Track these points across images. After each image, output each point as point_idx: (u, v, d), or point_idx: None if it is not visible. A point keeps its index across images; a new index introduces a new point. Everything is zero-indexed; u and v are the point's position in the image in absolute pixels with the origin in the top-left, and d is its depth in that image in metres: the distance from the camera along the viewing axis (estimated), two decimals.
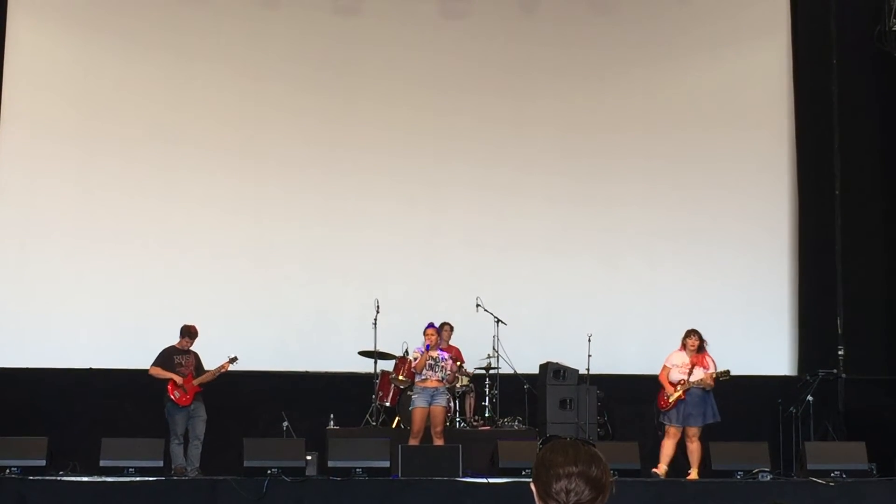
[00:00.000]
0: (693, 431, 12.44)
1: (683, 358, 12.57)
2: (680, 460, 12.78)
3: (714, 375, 12.47)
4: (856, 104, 15.52)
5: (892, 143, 15.43)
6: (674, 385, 12.50)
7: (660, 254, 15.28)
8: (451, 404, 13.06)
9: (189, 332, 12.95)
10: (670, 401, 12.48)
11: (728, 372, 12.56)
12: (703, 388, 12.44)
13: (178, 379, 12.70)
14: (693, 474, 12.29)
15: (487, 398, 13.75)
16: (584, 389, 13.64)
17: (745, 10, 15.79)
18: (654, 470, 12.27)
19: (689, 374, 12.46)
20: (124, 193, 14.68)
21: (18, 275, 14.47)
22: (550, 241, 15.18)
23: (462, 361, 13.61)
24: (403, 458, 11.61)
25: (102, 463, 11.40)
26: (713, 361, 12.57)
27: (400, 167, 15.16)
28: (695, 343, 12.56)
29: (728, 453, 12.08)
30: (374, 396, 13.47)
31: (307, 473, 11.54)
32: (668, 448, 12.46)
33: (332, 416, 13.37)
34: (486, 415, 13.68)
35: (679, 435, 12.47)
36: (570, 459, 3.02)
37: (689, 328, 12.72)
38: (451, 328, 13.47)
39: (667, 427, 12.55)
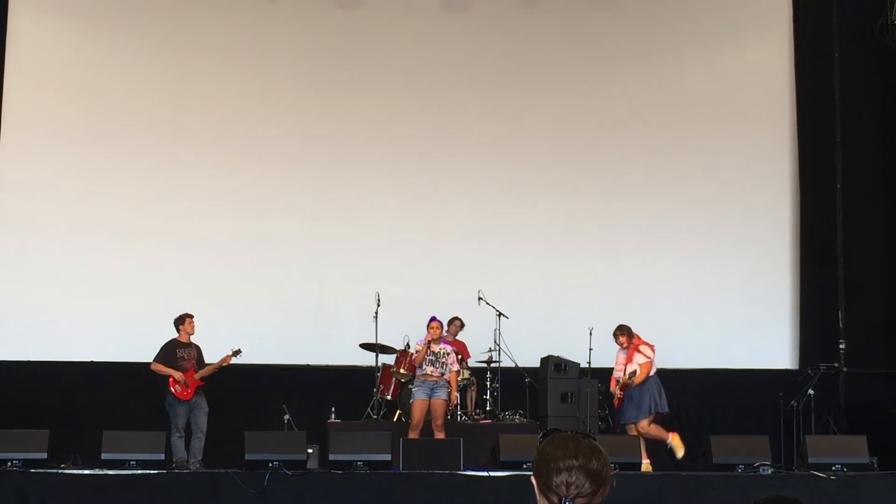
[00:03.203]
0: (640, 426, 12.45)
1: (621, 356, 12.67)
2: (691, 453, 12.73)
3: (626, 378, 12.47)
4: (857, 98, 15.51)
5: (894, 136, 15.42)
6: (618, 384, 12.63)
7: (661, 248, 15.28)
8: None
9: (182, 321, 12.96)
10: (615, 401, 12.65)
11: (634, 372, 12.48)
12: (635, 384, 12.45)
13: (179, 376, 12.71)
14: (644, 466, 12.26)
15: (488, 391, 13.75)
16: (585, 383, 13.65)
17: (746, 4, 15.78)
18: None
19: (624, 372, 12.54)
20: (126, 187, 14.69)
21: (20, 268, 14.48)
22: (552, 235, 15.18)
23: (466, 356, 13.62)
24: (404, 452, 11.62)
25: (104, 456, 11.39)
26: (645, 352, 12.48)
27: (401, 161, 15.15)
28: (622, 341, 12.63)
29: (729, 447, 12.06)
30: (375, 390, 13.48)
31: (308, 467, 11.53)
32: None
33: (333, 409, 13.38)
34: (487, 408, 13.69)
35: (634, 430, 12.50)
36: (571, 453, 3.03)
37: (617, 325, 12.75)
38: (461, 323, 13.57)
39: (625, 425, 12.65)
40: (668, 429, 12.73)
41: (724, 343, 15.02)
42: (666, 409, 12.62)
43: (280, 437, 12.26)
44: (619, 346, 12.75)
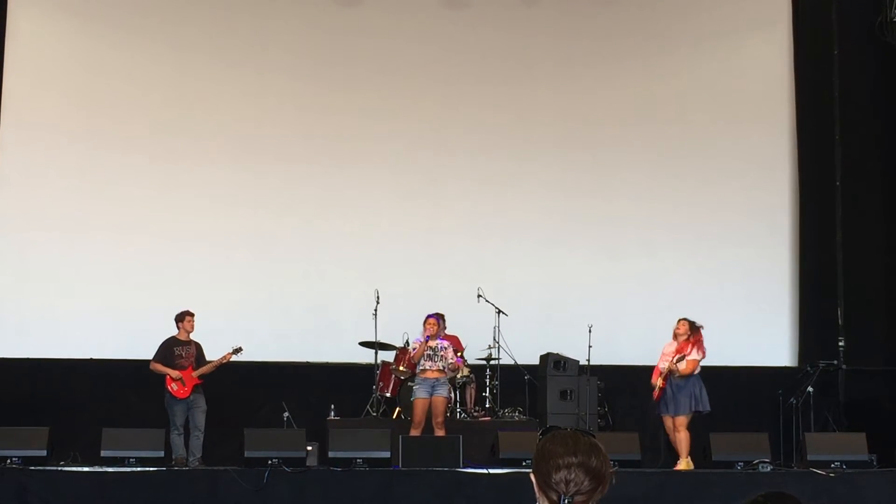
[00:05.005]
0: (678, 421, 12.30)
1: (672, 346, 12.48)
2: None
3: (673, 364, 12.19)
4: (857, 95, 15.50)
5: (894, 134, 15.41)
6: (660, 373, 12.43)
7: (660, 245, 15.27)
8: (452, 395, 13.08)
9: (182, 318, 12.95)
10: (655, 390, 12.45)
11: (681, 358, 12.19)
12: (681, 376, 12.22)
13: (175, 375, 12.68)
14: (681, 465, 12.18)
15: (488, 389, 13.76)
16: (584, 380, 13.65)
17: (746, 3, 15.77)
18: (676, 468, 12.18)
19: (672, 361, 12.29)
20: (125, 184, 14.69)
21: (19, 265, 14.48)
22: (551, 232, 15.18)
23: (462, 349, 13.61)
24: (404, 449, 11.63)
25: (103, 453, 11.42)
26: (697, 349, 12.33)
27: (401, 157, 15.15)
28: (680, 330, 12.41)
29: (728, 444, 12.07)
30: (374, 387, 13.48)
31: (308, 464, 11.55)
32: (672, 439, 12.41)
33: (332, 406, 13.38)
34: (487, 405, 13.69)
35: (671, 422, 12.38)
36: (570, 450, 3.03)
37: (682, 316, 12.60)
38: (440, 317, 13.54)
39: (662, 417, 12.52)
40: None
41: (723, 340, 14.95)
42: (707, 408, 12.35)
43: (279, 434, 12.27)
44: (672, 338, 12.48)
